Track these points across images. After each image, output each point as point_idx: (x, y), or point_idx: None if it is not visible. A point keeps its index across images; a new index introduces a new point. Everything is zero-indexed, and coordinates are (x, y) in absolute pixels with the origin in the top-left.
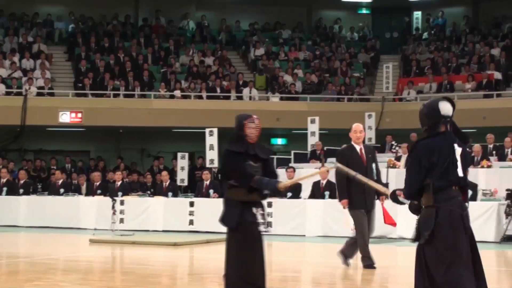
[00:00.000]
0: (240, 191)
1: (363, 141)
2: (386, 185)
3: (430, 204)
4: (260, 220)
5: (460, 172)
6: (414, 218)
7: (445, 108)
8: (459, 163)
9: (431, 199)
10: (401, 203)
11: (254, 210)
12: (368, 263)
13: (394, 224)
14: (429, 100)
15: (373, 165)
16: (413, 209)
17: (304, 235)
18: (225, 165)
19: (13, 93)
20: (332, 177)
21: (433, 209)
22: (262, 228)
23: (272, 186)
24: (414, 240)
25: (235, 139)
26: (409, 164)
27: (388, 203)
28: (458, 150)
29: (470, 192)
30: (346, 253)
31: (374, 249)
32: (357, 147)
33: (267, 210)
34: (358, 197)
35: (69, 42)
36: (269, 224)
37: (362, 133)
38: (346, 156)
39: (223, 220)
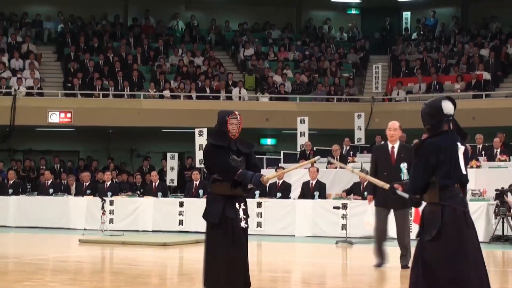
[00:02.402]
0: (224, 185)
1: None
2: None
3: (435, 202)
4: (242, 215)
5: (463, 170)
6: None
7: (448, 107)
8: (461, 161)
9: (436, 196)
10: (400, 196)
11: (237, 205)
12: (378, 262)
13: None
14: (431, 100)
15: (404, 164)
16: (414, 203)
17: (294, 235)
18: (208, 160)
19: (2, 93)
20: (321, 178)
21: (438, 206)
22: (243, 224)
23: (256, 180)
24: (417, 235)
25: (216, 134)
26: (415, 162)
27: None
28: (461, 149)
29: None
30: (402, 263)
31: (363, 249)
32: (389, 146)
33: (257, 210)
34: (380, 195)
35: (58, 42)
36: (259, 224)
37: (396, 131)
38: (376, 154)
39: (206, 215)
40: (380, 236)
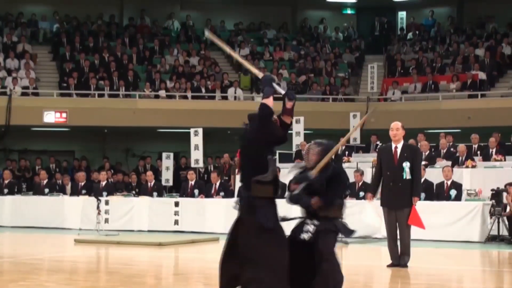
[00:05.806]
0: (266, 188)
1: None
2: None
3: (338, 217)
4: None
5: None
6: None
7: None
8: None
9: (340, 213)
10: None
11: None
12: (393, 262)
13: (422, 227)
14: (324, 144)
15: (406, 163)
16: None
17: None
18: (261, 136)
19: None
20: None
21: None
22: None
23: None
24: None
25: None
26: (334, 184)
27: (420, 205)
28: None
29: (454, 192)
30: (401, 261)
31: (359, 249)
32: (393, 145)
33: None
34: (383, 195)
35: (53, 42)
36: None
37: (398, 130)
38: (380, 154)
39: (263, 219)
40: (395, 236)
